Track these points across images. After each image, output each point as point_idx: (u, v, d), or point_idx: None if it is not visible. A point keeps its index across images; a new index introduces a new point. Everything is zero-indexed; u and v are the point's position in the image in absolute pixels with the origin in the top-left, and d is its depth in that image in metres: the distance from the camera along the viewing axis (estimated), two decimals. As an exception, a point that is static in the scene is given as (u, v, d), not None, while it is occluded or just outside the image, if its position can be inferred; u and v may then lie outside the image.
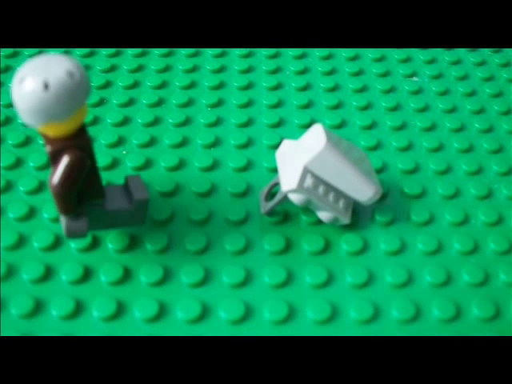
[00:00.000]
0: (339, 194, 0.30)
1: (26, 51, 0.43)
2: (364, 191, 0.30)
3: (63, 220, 0.27)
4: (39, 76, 0.23)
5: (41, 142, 0.36)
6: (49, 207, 0.32)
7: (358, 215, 0.32)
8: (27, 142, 0.36)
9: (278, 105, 0.40)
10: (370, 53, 0.45)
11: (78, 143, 0.25)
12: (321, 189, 0.29)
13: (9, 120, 0.37)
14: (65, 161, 0.25)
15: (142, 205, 0.29)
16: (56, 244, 0.31)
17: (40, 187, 0.33)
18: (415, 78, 0.43)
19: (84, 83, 0.24)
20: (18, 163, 0.35)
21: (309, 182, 0.29)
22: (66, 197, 0.26)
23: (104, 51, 0.44)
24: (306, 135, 0.31)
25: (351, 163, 0.29)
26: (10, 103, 0.38)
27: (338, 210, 0.30)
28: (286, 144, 0.32)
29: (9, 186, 0.33)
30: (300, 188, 0.29)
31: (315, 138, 0.30)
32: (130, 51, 0.44)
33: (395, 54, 0.45)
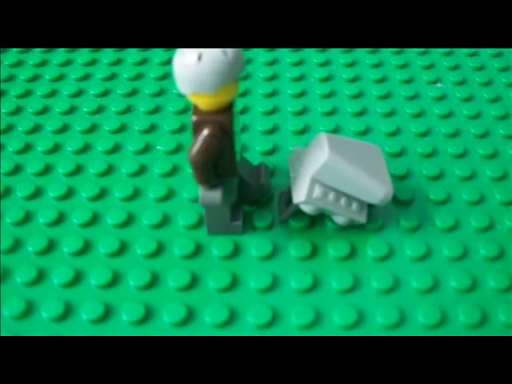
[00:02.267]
0: (350, 197, 0.30)
1: (31, 60, 0.44)
2: (375, 193, 0.30)
3: (200, 190, 0.29)
4: (196, 49, 0.26)
5: (40, 148, 0.37)
6: (45, 213, 0.33)
7: (383, 220, 0.33)
8: (27, 148, 0.37)
9: (303, 112, 0.40)
10: (393, 60, 0.45)
11: (219, 119, 0.27)
12: (331, 196, 0.30)
13: (10, 127, 0.39)
14: (204, 133, 0.27)
15: (263, 190, 0.32)
16: (49, 248, 0.31)
17: (37, 193, 0.34)
18: (439, 84, 0.43)
19: (236, 63, 0.26)
20: (16, 169, 0.36)
21: (317, 192, 0.29)
22: (201, 167, 0.28)
23: (105, 59, 0.45)
24: (312, 144, 0.31)
25: (359, 167, 0.30)
26: (10, 111, 0.39)
27: (351, 213, 0.30)
28: (297, 151, 0.32)
29: (7, 192, 0.34)
30: (309, 199, 0.29)
31: (320, 147, 0.30)
32: (131, 59, 0.45)
33: (419, 60, 0.45)
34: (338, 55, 0.46)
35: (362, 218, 0.31)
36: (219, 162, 0.28)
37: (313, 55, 0.45)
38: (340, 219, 0.31)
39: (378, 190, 0.30)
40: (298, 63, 0.45)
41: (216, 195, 0.29)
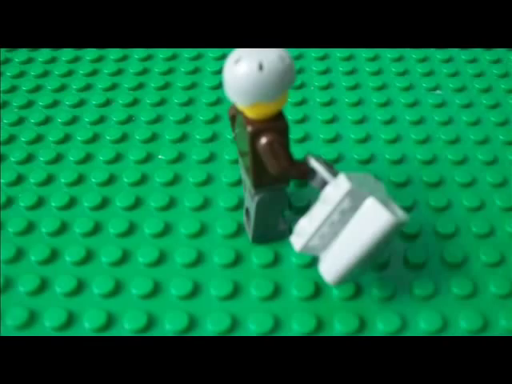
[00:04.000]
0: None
1: (40, 56, 0.45)
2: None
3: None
4: (254, 58, 0.25)
5: (42, 158, 0.37)
6: (47, 222, 0.33)
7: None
8: (29, 159, 0.37)
9: (303, 120, 0.41)
10: (392, 67, 0.46)
11: (276, 126, 0.27)
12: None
13: (12, 138, 0.39)
14: (267, 145, 0.27)
15: None
16: (52, 258, 0.32)
17: (39, 203, 0.34)
18: (438, 91, 0.43)
19: (292, 69, 0.26)
20: (19, 180, 0.36)
21: (315, 241, 0.27)
22: (291, 169, 0.27)
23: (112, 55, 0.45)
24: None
25: None
26: (13, 122, 0.40)
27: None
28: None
29: (10, 202, 0.35)
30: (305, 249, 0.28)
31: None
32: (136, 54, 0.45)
33: (418, 67, 0.46)
34: (337, 63, 0.46)
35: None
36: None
37: (313, 63, 0.46)
38: None
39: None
40: (298, 71, 0.45)
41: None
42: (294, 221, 0.32)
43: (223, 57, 0.46)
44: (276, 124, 0.27)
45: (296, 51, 0.47)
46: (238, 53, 0.26)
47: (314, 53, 0.47)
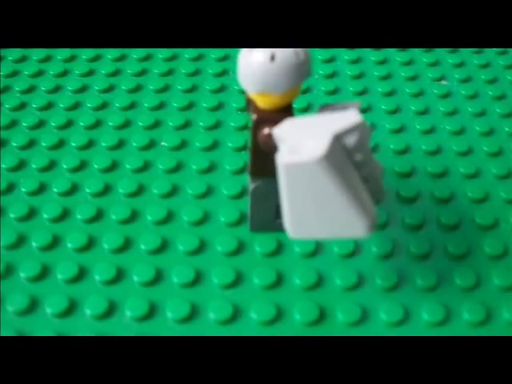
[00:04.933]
0: None
1: (34, 54, 0.44)
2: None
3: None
4: (269, 49, 0.25)
5: (44, 144, 0.37)
6: (49, 208, 0.33)
7: (387, 217, 0.33)
8: (31, 144, 0.37)
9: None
10: (398, 56, 0.45)
11: (281, 118, 0.26)
12: None
13: (14, 123, 0.39)
14: (267, 138, 0.27)
15: None
16: (53, 244, 0.31)
17: (41, 188, 0.34)
18: (444, 82, 0.43)
19: (306, 65, 0.26)
20: (20, 165, 0.36)
21: None
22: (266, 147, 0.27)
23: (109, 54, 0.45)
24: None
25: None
26: (15, 106, 0.39)
27: None
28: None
29: (11, 187, 0.34)
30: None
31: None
32: (135, 54, 0.45)
33: (424, 57, 0.45)
34: (342, 52, 0.46)
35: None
36: (271, 160, 0.27)
37: (316, 51, 0.45)
38: None
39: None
40: (332, 75, 0.44)
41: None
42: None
43: (225, 58, 0.45)
44: (282, 116, 0.27)
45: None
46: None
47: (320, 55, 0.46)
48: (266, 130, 0.27)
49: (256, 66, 0.25)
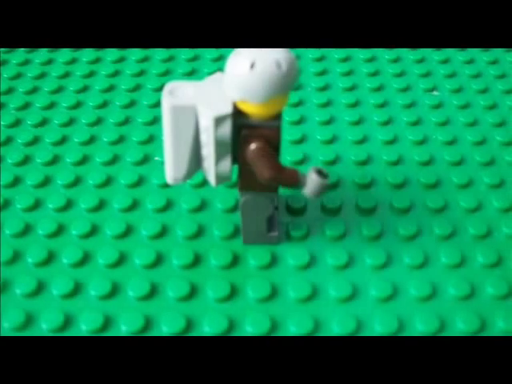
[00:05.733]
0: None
1: (29, 71, 0.45)
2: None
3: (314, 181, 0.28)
4: (249, 56, 0.25)
5: (39, 160, 0.37)
6: (44, 224, 0.33)
7: (381, 228, 0.33)
8: (26, 160, 0.37)
9: (300, 121, 0.41)
10: (390, 68, 0.46)
11: (266, 133, 0.26)
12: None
13: (9, 139, 0.39)
14: (255, 151, 0.27)
15: None
16: (49, 260, 0.31)
17: (36, 204, 0.34)
18: (435, 92, 0.43)
19: (289, 76, 0.25)
20: (16, 181, 0.36)
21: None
22: (278, 175, 0.27)
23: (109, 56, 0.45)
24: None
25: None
26: (10, 123, 0.40)
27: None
28: None
29: (7, 204, 0.34)
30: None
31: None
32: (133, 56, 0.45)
33: (415, 68, 0.46)
34: (334, 64, 0.46)
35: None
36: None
37: (310, 64, 0.46)
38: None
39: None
40: (324, 88, 0.45)
41: (312, 177, 0.28)
42: (292, 223, 0.32)
43: (220, 58, 0.46)
44: (264, 131, 0.26)
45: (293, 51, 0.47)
46: (244, 50, 0.26)
47: (311, 54, 0.47)
48: (252, 146, 0.27)
49: (235, 72, 0.25)
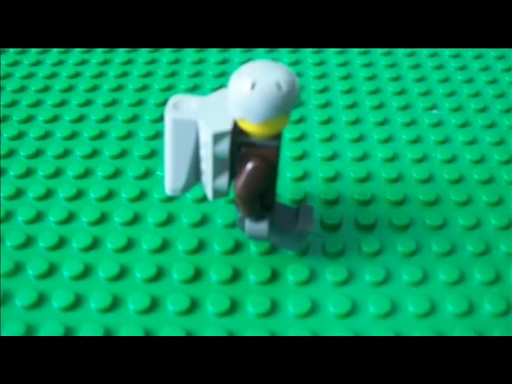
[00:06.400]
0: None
1: (32, 84, 0.45)
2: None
3: (246, 222, 0.29)
4: (251, 76, 0.25)
5: (41, 173, 0.37)
6: (45, 237, 0.33)
7: (380, 245, 0.33)
8: (28, 173, 0.38)
9: (301, 138, 0.41)
10: (390, 87, 0.46)
11: (265, 153, 0.27)
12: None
13: (12, 152, 0.39)
14: (248, 167, 0.27)
15: (303, 235, 0.31)
16: (50, 272, 0.32)
17: (38, 217, 0.34)
18: (435, 111, 0.44)
19: (289, 98, 0.25)
20: (18, 194, 0.36)
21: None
22: (247, 200, 0.28)
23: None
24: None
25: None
26: (13, 136, 0.40)
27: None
28: None
29: (8, 216, 0.35)
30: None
31: None
32: (131, 85, 0.46)
33: (415, 87, 0.46)
34: (335, 82, 0.46)
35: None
36: (263, 195, 0.28)
37: (311, 82, 0.46)
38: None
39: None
40: (323, 91, 0.46)
41: (263, 227, 0.29)
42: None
43: (224, 61, 0.48)
44: (264, 151, 0.27)
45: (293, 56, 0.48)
46: (245, 68, 0.26)
47: (310, 58, 0.48)
48: (249, 166, 0.27)
49: (236, 91, 0.25)
